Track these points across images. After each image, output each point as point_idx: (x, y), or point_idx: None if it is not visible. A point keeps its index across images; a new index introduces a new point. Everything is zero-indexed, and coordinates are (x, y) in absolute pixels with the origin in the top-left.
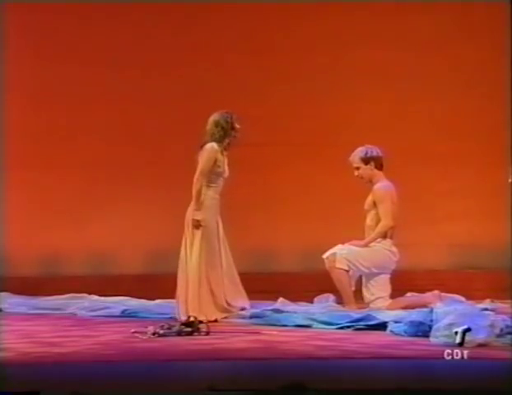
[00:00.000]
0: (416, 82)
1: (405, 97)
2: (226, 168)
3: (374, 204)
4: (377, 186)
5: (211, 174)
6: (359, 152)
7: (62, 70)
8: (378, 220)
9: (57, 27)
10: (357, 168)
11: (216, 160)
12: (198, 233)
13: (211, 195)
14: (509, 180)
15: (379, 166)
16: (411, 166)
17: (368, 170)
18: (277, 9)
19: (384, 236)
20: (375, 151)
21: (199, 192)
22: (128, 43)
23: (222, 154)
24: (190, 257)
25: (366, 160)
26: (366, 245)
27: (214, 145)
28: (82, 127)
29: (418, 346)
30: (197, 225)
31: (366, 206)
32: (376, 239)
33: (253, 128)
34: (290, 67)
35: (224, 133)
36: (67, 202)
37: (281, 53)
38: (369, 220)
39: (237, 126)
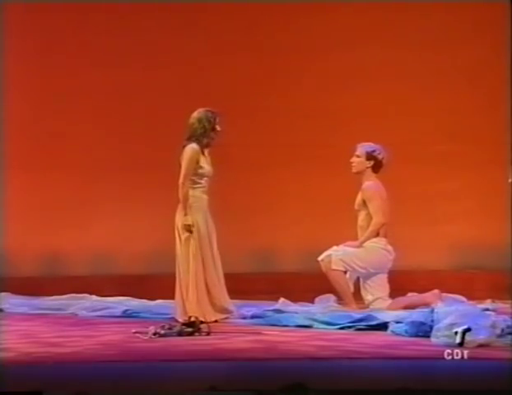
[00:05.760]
0: (415, 82)
1: (405, 97)
2: (209, 167)
3: (364, 203)
4: (366, 185)
5: (195, 175)
6: (368, 146)
7: (62, 70)
8: (369, 220)
9: (57, 27)
10: (357, 156)
11: (197, 161)
12: (190, 236)
13: (198, 196)
14: (509, 180)
15: (376, 169)
16: (412, 166)
17: (364, 165)
18: (276, 8)
19: (377, 234)
20: (382, 155)
21: (186, 196)
22: (128, 43)
23: (203, 153)
24: (184, 260)
25: (369, 157)
26: (361, 245)
27: (194, 145)
28: (82, 127)
29: (419, 346)
30: (188, 229)
31: (356, 206)
32: (370, 238)
33: (254, 129)
34: (290, 69)
35: (204, 132)
36: (67, 202)
37: (281, 54)
38: (360, 221)
39: (218, 128)
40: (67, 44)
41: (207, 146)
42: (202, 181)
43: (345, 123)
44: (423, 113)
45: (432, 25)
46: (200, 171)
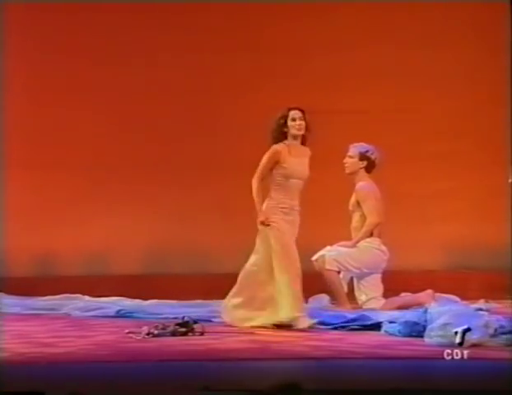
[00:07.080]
0: (415, 81)
1: (404, 96)
2: (299, 168)
3: (358, 204)
4: (359, 185)
5: (276, 175)
6: (361, 147)
7: (62, 69)
8: (363, 221)
9: (57, 27)
10: (350, 157)
11: (277, 161)
12: (260, 231)
13: (276, 197)
14: (509, 180)
15: (369, 169)
16: (408, 166)
17: (357, 165)
18: (276, 9)
19: (371, 234)
20: (375, 155)
21: (256, 193)
22: (129, 42)
23: (291, 154)
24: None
25: (363, 157)
26: (354, 245)
27: (276, 145)
28: (82, 126)
29: (413, 346)
30: (262, 224)
31: (351, 207)
32: (364, 238)
33: (251, 128)
34: (289, 68)
35: (273, 131)
36: (65, 202)
37: (281, 53)
38: (354, 222)
39: (290, 123)
40: (67, 43)
41: (296, 143)
42: (287, 183)
43: (342, 122)
44: (423, 112)
45: (432, 26)
46: (282, 171)
